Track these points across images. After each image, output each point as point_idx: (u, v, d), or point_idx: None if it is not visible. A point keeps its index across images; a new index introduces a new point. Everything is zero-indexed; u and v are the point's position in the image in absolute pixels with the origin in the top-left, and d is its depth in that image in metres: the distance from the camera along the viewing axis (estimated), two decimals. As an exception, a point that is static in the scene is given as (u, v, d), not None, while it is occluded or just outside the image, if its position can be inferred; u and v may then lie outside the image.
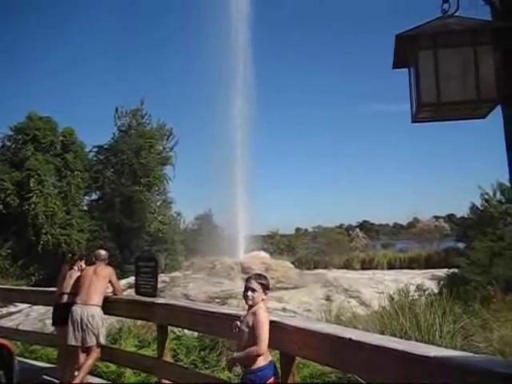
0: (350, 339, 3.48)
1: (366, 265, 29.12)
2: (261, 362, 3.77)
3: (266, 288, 3.93)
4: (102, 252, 7.14)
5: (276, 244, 35.14)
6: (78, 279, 6.84)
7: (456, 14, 2.54)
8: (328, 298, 16.40)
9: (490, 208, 21.67)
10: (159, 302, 6.07)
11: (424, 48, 2.44)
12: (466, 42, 2.42)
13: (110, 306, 6.66)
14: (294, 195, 77.29)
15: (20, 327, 10.88)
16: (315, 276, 22.00)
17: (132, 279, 16.13)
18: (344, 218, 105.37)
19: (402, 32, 2.47)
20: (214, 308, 5.75)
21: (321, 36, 77.71)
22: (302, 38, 73.24)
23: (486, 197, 22.69)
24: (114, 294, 6.85)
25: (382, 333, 6.19)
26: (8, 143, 26.37)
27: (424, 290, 10.14)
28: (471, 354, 3.33)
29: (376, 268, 28.09)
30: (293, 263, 24.71)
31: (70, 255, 7.41)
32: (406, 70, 2.70)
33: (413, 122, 2.64)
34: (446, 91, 2.40)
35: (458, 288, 10.52)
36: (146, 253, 23.87)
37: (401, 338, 5.58)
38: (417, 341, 5.31)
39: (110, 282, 6.81)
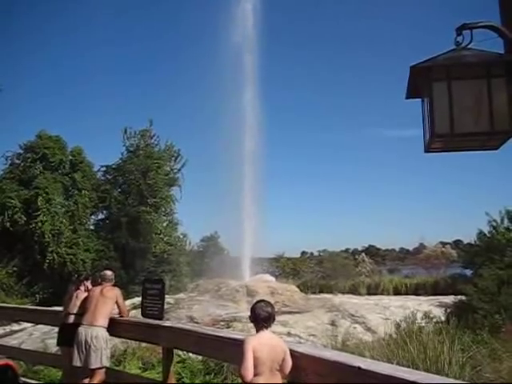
0: (359, 368, 3.44)
1: (372, 290, 28.79)
2: None
3: None
4: (109, 273, 7.12)
5: (281, 267, 34.93)
6: (85, 300, 6.82)
7: (469, 46, 2.57)
8: (333, 323, 16.22)
9: (497, 235, 21.46)
10: (166, 324, 6.03)
11: (438, 80, 2.46)
12: (480, 74, 2.45)
13: (116, 327, 6.62)
14: (300, 218, 77.24)
15: (23, 346, 10.83)
16: (320, 300, 21.81)
17: (136, 300, 16.13)
18: (349, 242, 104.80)
19: (417, 63, 2.50)
20: (222, 332, 5.70)
21: (331, 57, 78.53)
22: (313, 58, 74.09)
23: (494, 223, 22.49)
24: (120, 316, 6.82)
25: (390, 361, 6.12)
26: (17, 161, 26.46)
27: (431, 318, 10.01)
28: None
29: (382, 293, 27.79)
30: (298, 287, 24.55)
31: (76, 275, 7.37)
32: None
33: (426, 152, 2.66)
34: (459, 123, 2.42)
35: (466, 316, 10.39)
36: (152, 274, 23.80)
37: (408, 366, 5.51)
38: (425, 370, 5.25)
39: (116, 303, 6.78)
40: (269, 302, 4.15)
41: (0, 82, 24.79)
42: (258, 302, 4.16)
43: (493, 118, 2.40)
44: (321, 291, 28.84)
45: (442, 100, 2.43)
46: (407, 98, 2.77)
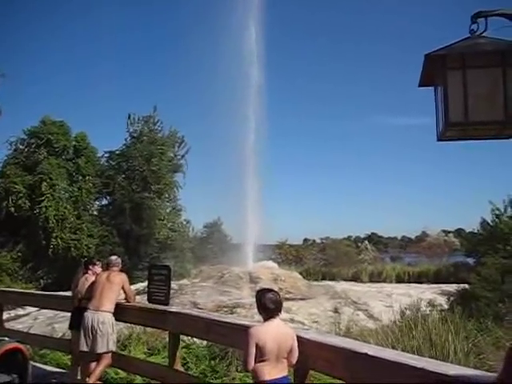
0: (367, 354, 3.46)
1: (375, 278, 28.90)
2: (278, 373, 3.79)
3: None
4: (116, 258, 7.14)
5: (284, 254, 34.98)
6: (91, 285, 6.85)
7: (484, 34, 2.56)
8: (336, 311, 16.31)
9: (500, 224, 21.41)
10: (172, 310, 6.07)
11: (453, 68, 2.45)
12: (495, 62, 2.44)
13: (122, 312, 6.66)
14: (302, 205, 77.20)
15: (30, 331, 10.90)
16: (323, 287, 21.90)
17: (140, 285, 16.25)
18: (352, 229, 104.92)
19: (432, 51, 2.49)
20: (229, 318, 5.75)
21: (337, 45, 78.18)
22: (318, 46, 73.70)
23: (497, 212, 22.43)
24: (127, 301, 6.86)
25: (394, 347, 6.16)
26: (21, 147, 26.47)
27: (435, 306, 10.06)
28: (491, 374, 3.31)
29: (384, 281, 27.91)
30: (301, 274, 24.62)
31: (85, 259, 7.41)
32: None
33: (439, 140, 2.65)
34: (473, 111, 2.41)
35: (469, 304, 10.43)
36: (155, 260, 23.91)
37: (413, 353, 5.54)
38: (430, 357, 5.27)
39: (122, 288, 6.81)
40: (275, 291, 4.13)
41: (4, 68, 24.67)
42: (264, 291, 4.12)
43: (507, 107, 2.40)
44: (323, 278, 28.96)
45: (457, 88, 2.42)
46: (420, 85, 2.76)
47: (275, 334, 3.85)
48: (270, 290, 4.12)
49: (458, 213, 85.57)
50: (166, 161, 27.95)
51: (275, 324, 3.92)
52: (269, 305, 3.93)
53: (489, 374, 3.37)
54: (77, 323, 6.68)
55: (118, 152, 28.33)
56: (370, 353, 3.46)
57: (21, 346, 4.03)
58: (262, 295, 4.03)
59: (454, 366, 3.36)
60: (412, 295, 15.61)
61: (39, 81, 61.46)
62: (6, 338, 4.61)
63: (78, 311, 6.79)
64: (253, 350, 3.78)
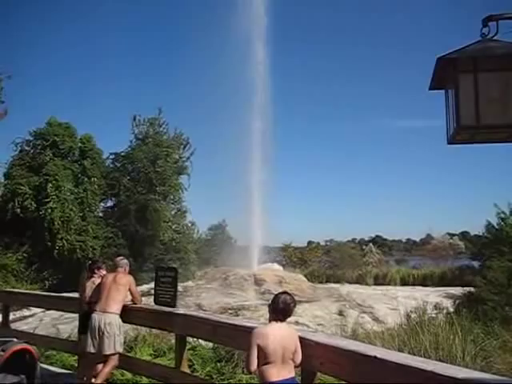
0: (375, 357, 3.46)
1: (379, 280, 28.90)
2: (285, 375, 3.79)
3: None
4: (123, 260, 7.13)
5: (289, 256, 34.99)
6: (98, 287, 6.84)
7: (495, 37, 2.56)
8: (341, 313, 16.30)
9: (505, 227, 21.31)
10: (179, 312, 6.08)
11: (464, 71, 2.46)
12: (507, 66, 2.44)
13: (129, 314, 6.65)
14: (307, 208, 77.15)
15: (34, 331, 10.92)
16: (328, 290, 21.90)
17: (145, 287, 16.26)
18: (356, 232, 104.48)
19: (443, 54, 2.49)
20: (236, 320, 5.74)
21: (342, 48, 78.24)
22: (323, 49, 73.74)
23: (502, 215, 22.32)
24: (133, 303, 6.86)
25: (401, 350, 6.15)
26: (27, 148, 26.59)
27: (442, 309, 10.04)
28: (500, 377, 3.30)
29: (389, 284, 27.89)
30: (305, 276, 24.62)
31: (90, 262, 7.36)
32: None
33: (449, 143, 2.65)
34: (485, 114, 2.41)
35: (475, 307, 10.41)
36: (160, 262, 23.93)
37: (420, 356, 5.53)
38: (437, 360, 5.27)
39: (129, 290, 6.80)
40: (293, 298, 4.13)
41: (9, 69, 24.70)
42: (283, 293, 4.15)
43: (519, 111, 2.40)
44: (328, 281, 28.97)
45: (468, 91, 2.43)
46: (431, 89, 2.77)
47: (278, 335, 3.85)
48: (289, 295, 4.13)
49: (463, 216, 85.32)
50: (171, 163, 28.03)
51: (278, 326, 3.92)
52: (279, 304, 3.94)
53: (499, 377, 3.37)
54: (86, 328, 6.67)
55: (123, 154, 28.43)
56: (378, 356, 3.45)
57: (29, 346, 4.04)
58: (279, 294, 4.08)
59: (462, 369, 3.35)
60: (417, 298, 15.58)
61: (44, 82, 61.71)
62: (15, 339, 4.62)
63: (86, 316, 6.77)
64: (255, 351, 3.78)
